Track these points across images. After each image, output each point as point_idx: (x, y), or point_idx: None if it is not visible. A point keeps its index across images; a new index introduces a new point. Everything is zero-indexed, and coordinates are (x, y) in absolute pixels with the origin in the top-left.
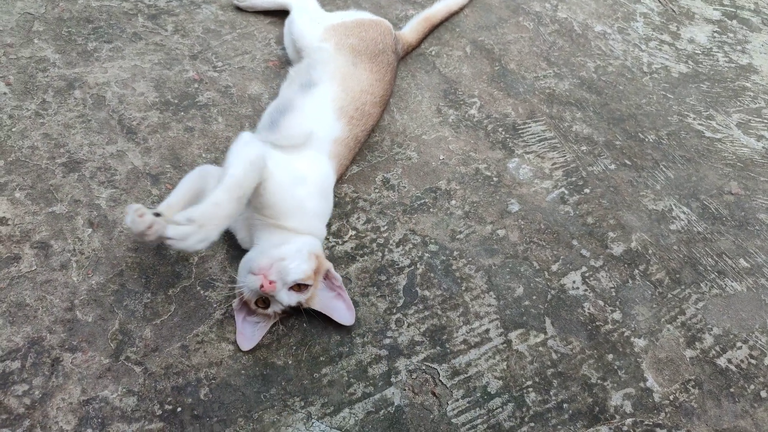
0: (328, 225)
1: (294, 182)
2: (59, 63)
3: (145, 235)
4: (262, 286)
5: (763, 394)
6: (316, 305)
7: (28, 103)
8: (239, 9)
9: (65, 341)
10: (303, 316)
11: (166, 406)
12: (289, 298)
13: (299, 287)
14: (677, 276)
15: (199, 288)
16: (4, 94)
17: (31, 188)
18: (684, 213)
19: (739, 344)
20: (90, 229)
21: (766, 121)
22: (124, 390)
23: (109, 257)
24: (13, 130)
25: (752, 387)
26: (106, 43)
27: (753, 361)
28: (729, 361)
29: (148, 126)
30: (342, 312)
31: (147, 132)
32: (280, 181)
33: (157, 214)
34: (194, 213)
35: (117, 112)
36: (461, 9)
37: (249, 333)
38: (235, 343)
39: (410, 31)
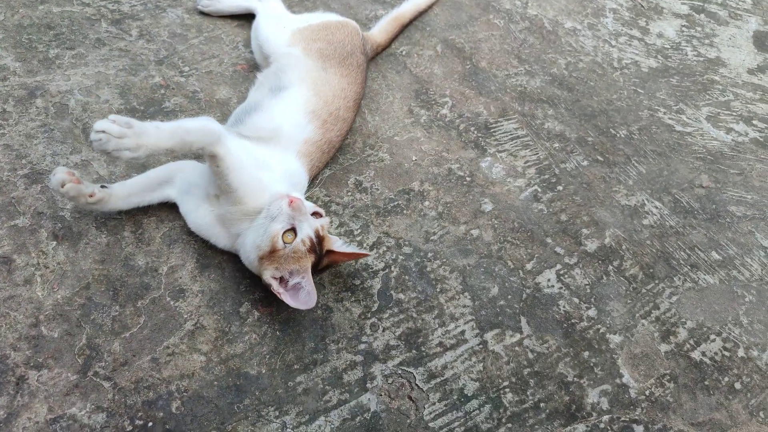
0: None
1: (257, 166)
2: (19, 71)
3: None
4: (291, 202)
5: (737, 385)
6: (331, 244)
7: None
8: (205, 14)
9: (30, 358)
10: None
11: (137, 422)
12: (313, 222)
13: (316, 213)
14: (651, 271)
15: (168, 299)
16: None
17: None
18: (656, 207)
19: (712, 337)
20: (54, 242)
21: (734, 113)
22: (93, 406)
23: (75, 270)
24: None
25: (726, 379)
26: (69, 50)
27: (727, 354)
28: (703, 354)
29: None
30: (352, 248)
31: None
32: (240, 161)
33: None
34: (136, 122)
35: (81, 120)
36: (430, 7)
37: (301, 294)
38: (207, 353)
39: (379, 31)
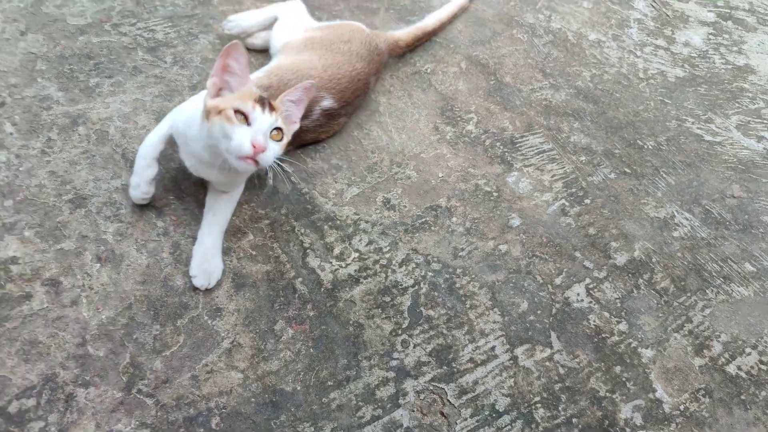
0: (331, 248)
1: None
2: (62, 100)
3: None
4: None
5: None
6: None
7: (34, 142)
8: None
9: (78, 376)
10: None
11: None
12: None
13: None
14: (682, 283)
15: (206, 318)
16: (11, 134)
17: (39, 226)
18: (686, 219)
19: (748, 350)
20: (98, 264)
21: (765, 121)
22: (138, 423)
23: (118, 291)
24: (20, 169)
25: (764, 393)
26: (108, 78)
27: (763, 367)
28: (739, 367)
29: None
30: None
31: None
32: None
33: None
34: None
35: (120, 146)
36: (451, 20)
37: None
38: (244, 371)
39: (402, 33)
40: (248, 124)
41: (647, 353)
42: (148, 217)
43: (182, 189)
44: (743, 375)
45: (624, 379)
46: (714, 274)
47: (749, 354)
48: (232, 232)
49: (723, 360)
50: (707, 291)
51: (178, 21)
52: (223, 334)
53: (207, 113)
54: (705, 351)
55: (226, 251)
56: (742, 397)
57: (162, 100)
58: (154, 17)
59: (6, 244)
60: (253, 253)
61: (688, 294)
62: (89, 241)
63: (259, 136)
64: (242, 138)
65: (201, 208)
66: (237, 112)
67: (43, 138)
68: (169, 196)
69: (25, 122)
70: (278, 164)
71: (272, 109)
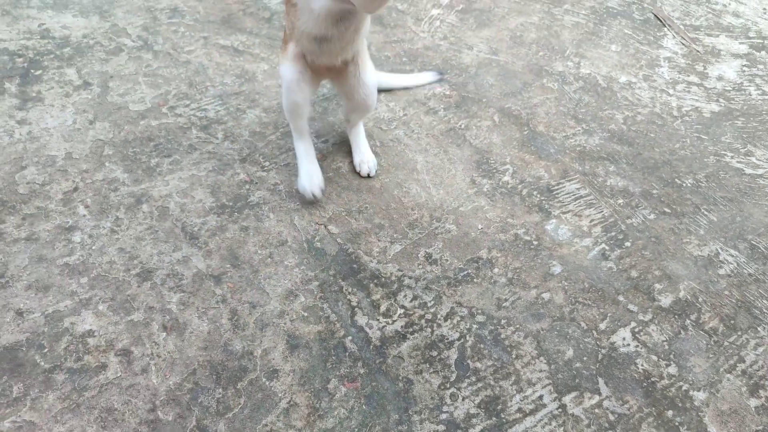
0: (377, 305)
1: None
2: (128, 181)
3: None
4: None
5: None
6: None
7: (104, 222)
8: (281, 111)
9: None
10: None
11: None
12: None
13: None
14: (732, 322)
15: (264, 379)
16: (84, 216)
17: (111, 300)
18: (732, 256)
19: None
20: (164, 333)
21: None
22: None
23: (183, 358)
24: (93, 248)
25: None
26: (166, 158)
27: None
28: None
29: (207, 230)
30: None
31: (207, 236)
32: None
33: None
34: None
35: (180, 220)
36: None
37: None
38: (301, 429)
39: None
40: None
41: (699, 396)
42: (207, 286)
43: (237, 257)
44: None
45: (677, 423)
46: (765, 310)
47: None
48: (285, 296)
49: None
50: (758, 328)
51: (227, 98)
52: (280, 395)
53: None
54: (761, 391)
55: (279, 314)
56: None
57: (215, 174)
58: (205, 97)
59: (83, 318)
60: (305, 314)
61: (739, 333)
62: (156, 311)
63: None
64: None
65: (255, 274)
66: None
67: (111, 217)
68: (226, 265)
69: (95, 204)
70: (325, 227)
71: None
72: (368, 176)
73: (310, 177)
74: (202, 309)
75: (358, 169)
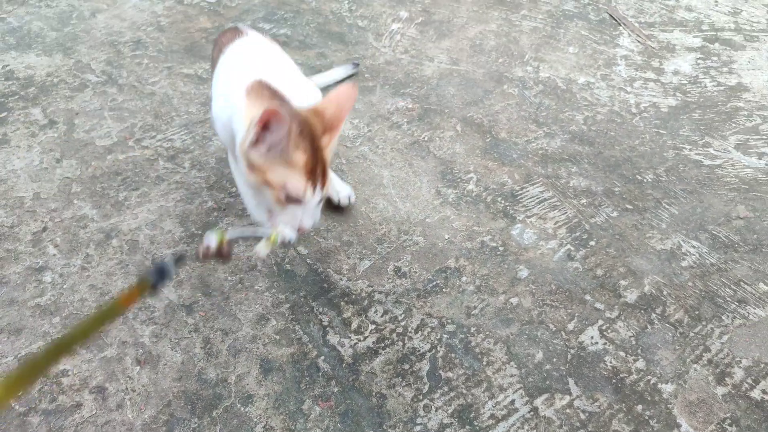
0: (349, 323)
1: None
2: (96, 217)
3: None
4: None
5: None
6: None
7: (74, 260)
8: None
9: None
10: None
11: None
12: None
13: None
14: (696, 313)
15: (239, 405)
16: (54, 255)
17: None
18: (694, 247)
19: None
20: (138, 367)
21: (764, 137)
22: None
23: (157, 390)
24: (64, 287)
25: None
26: (134, 191)
27: None
28: (764, 391)
29: None
30: None
31: (177, 266)
32: None
33: None
34: None
35: (150, 252)
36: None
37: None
38: None
39: None
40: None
41: (668, 388)
42: (180, 316)
43: (208, 285)
44: None
45: (647, 417)
46: (728, 298)
47: None
48: (256, 320)
49: (746, 386)
50: (723, 317)
51: (193, 127)
52: (255, 420)
53: (250, 167)
54: (727, 379)
55: (251, 339)
56: None
57: (184, 203)
58: (171, 127)
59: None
60: (277, 337)
61: (704, 323)
62: (129, 345)
63: (307, 221)
64: (289, 222)
65: (226, 301)
66: (287, 197)
67: (82, 255)
68: (197, 294)
69: (65, 242)
70: (294, 248)
71: (324, 178)
72: (347, 206)
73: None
74: (174, 340)
75: (336, 201)
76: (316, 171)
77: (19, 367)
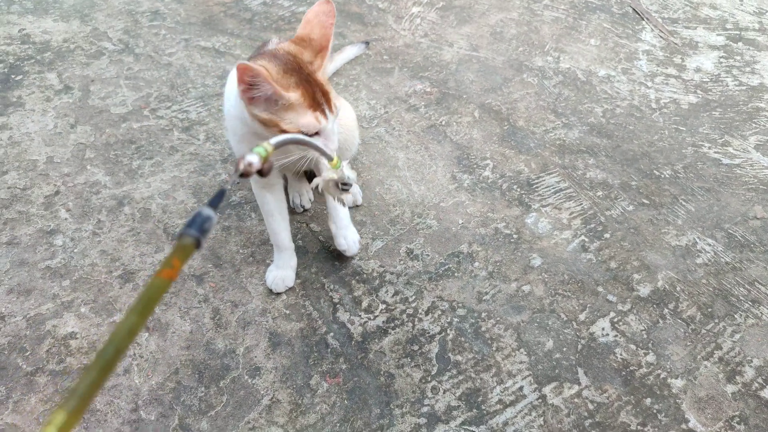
0: (359, 301)
1: None
2: (109, 184)
3: None
4: None
5: None
6: None
7: (86, 225)
8: None
9: None
10: None
11: None
12: None
13: None
14: (709, 310)
15: (246, 377)
16: (65, 219)
17: (93, 302)
18: (709, 245)
19: None
20: (147, 334)
21: None
22: None
23: (165, 358)
24: (75, 251)
25: None
26: (148, 160)
27: None
28: None
29: None
30: None
31: None
32: None
33: None
34: None
35: (162, 221)
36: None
37: None
38: (284, 425)
39: None
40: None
41: (677, 383)
42: (189, 286)
43: (219, 256)
44: None
45: (655, 411)
46: (741, 298)
47: None
48: (266, 294)
49: (756, 385)
50: (735, 316)
51: (209, 100)
52: (262, 392)
53: (264, 124)
54: (737, 377)
55: (261, 312)
56: None
57: (197, 175)
58: (187, 99)
59: (65, 321)
60: (287, 312)
61: (716, 320)
62: None
63: (334, 143)
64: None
65: (237, 273)
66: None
67: (93, 220)
68: (208, 265)
69: (77, 207)
70: (307, 225)
71: (328, 99)
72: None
73: (282, 280)
74: (184, 309)
75: (340, 247)
76: (317, 97)
77: (72, 397)
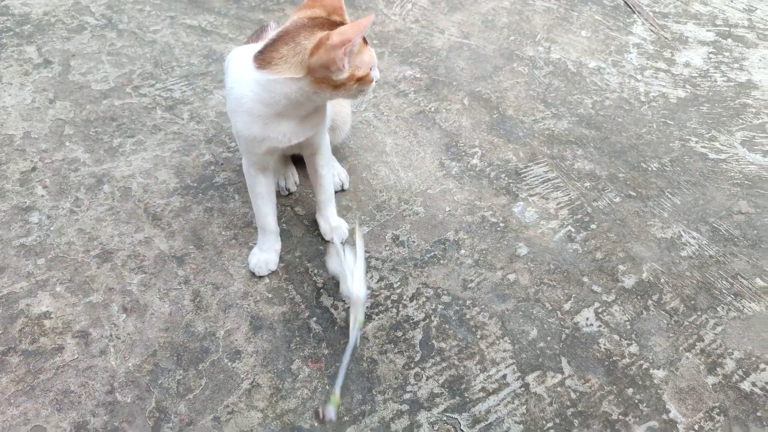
0: None
1: None
2: (89, 161)
3: None
4: None
5: None
6: None
7: (63, 202)
8: None
9: (107, 423)
10: None
11: None
12: None
13: None
14: (692, 302)
15: (226, 360)
16: (42, 196)
17: (69, 281)
18: (694, 238)
19: (762, 366)
20: (124, 315)
21: None
22: None
23: (143, 339)
24: (51, 228)
25: None
26: (130, 138)
27: None
28: (753, 384)
29: (171, 211)
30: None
31: (171, 217)
32: None
33: None
34: None
35: (142, 201)
36: None
37: None
38: (263, 410)
39: None
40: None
41: (659, 374)
42: (170, 267)
43: (201, 238)
44: (758, 391)
45: (636, 401)
46: (724, 291)
47: (764, 369)
48: (249, 277)
49: (737, 377)
50: (718, 308)
51: (194, 79)
52: (242, 376)
53: (336, 86)
54: (718, 369)
55: (243, 295)
56: (758, 414)
57: (180, 155)
58: (171, 77)
59: (39, 300)
60: (270, 296)
61: (699, 312)
62: (115, 292)
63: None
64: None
65: (219, 255)
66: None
67: (71, 198)
68: (189, 246)
69: (54, 184)
70: (292, 209)
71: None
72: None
73: (266, 263)
74: (163, 290)
75: (327, 237)
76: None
77: None
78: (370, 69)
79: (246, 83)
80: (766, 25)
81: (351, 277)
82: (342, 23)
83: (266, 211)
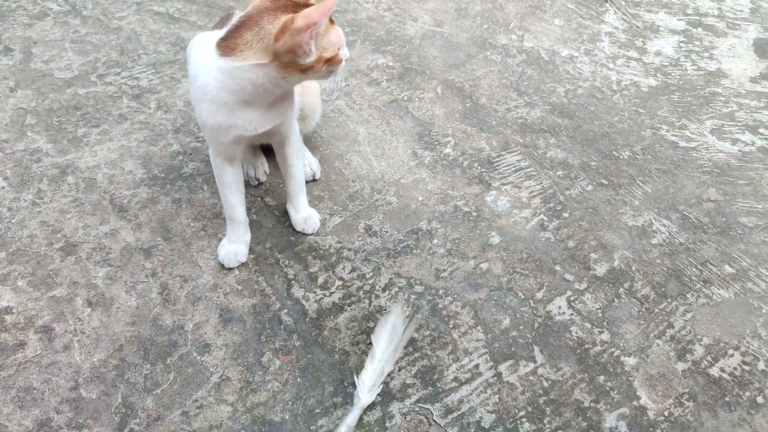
0: (315, 278)
1: None
2: (52, 152)
3: None
4: None
5: (759, 399)
6: None
7: (25, 194)
8: None
9: (72, 420)
10: None
11: None
12: None
13: None
14: (663, 290)
15: (195, 354)
16: (2, 188)
17: (32, 275)
18: (664, 226)
19: (730, 351)
20: (89, 309)
21: (739, 124)
22: None
23: (109, 333)
24: (13, 221)
25: (747, 394)
26: (95, 128)
27: (746, 368)
28: (722, 369)
29: (138, 202)
30: None
31: (137, 208)
32: None
33: None
34: None
35: (108, 192)
36: None
37: None
38: (233, 404)
39: None
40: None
41: (630, 361)
42: (137, 260)
43: (169, 229)
44: (726, 377)
45: (608, 388)
46: (694, 278)
47: (732, 355)
48: (218, 269)
49: (706, 363)
50: (688, 295)
51: (161, 67)
52: (211, 369)
53: (304, 70)
54: (687, 355)
55: (212, 288)
56: (727, 399)
57: (147, 144)
58: (138, 65)
59: (0, 295)
60: (239, 287)
61: (669, 300)
62: (80, 286)
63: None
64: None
65: (187, 247)
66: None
67: (33, 189)
68: (157, 238)
69: (16, 176)
70: (262, 199)
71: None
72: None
73: (235, 254)
74: (130, 283)
75: (299, 227)
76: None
77: None
78: (339, 49)
79: (210, 71)
80: (735, 15)
81: (372, 375)
82: (306, 5)
83: (234, 202)
